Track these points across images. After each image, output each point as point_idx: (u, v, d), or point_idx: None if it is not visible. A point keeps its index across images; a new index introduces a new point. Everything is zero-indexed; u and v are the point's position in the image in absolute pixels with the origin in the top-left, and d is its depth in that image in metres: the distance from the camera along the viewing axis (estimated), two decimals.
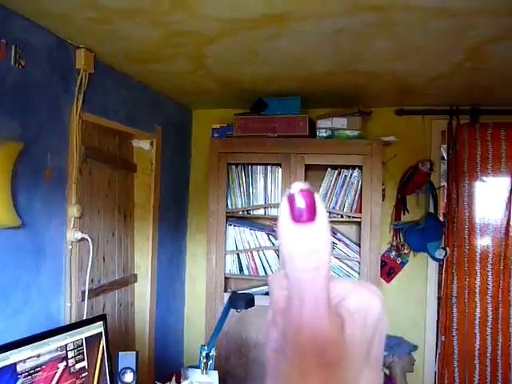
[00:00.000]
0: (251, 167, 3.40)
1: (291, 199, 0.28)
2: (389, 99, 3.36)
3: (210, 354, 2.14)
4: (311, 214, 0.27)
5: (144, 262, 3.32)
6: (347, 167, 3.26)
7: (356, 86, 3.01)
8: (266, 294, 3.38)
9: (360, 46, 2.26)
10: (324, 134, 3.21)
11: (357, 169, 3.23)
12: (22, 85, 2.06)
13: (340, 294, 0.32)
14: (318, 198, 0.28)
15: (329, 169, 3.31)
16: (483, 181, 3.43)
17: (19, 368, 1.52)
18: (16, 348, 1.52)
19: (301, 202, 0.28)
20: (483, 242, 3.41)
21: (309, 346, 0.29)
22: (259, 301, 2.75)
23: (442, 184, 3.65)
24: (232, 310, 2.22)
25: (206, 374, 2.13)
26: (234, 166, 3.41)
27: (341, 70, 2.68)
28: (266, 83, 3.00)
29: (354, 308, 0.31)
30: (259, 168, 3.39)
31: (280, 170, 3.31)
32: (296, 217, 0.28)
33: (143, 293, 3.32)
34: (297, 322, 0.29)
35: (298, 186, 0.28)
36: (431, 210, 3.54)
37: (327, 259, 0.29)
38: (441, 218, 3.63)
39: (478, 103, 3.37)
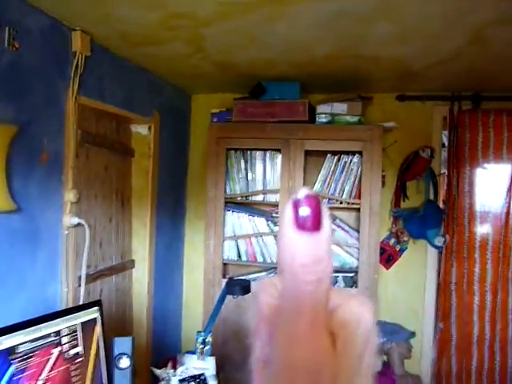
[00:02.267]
0: (250, 152, 3.37)
1: (296, 205, 0.26)
2: (390, 84, 3.32)
3: (207, 339, 2.13)
4: (317, 222, 0.26)
5: (141, 247, 3.30)
6: (347, 153, 3.23)
7: (356, 71, 2.97)
8: None
9: (360, 30, 2.22)
10: (324, 120, 3.18)
11: (357, 155, 3.20)
12: (16, 67, 2.02)
13: (330, 306, 0.30)
14: (324, 205, 0.26)
15: (328, 154, 3.28)
16: (484, 168, 3.40)
17: (12, 353, 1.51)
18: (8, 333, 1.50)
19: (306, 210, 0.26)
20: (483, 229, 3.39)
21: (301, 363, 0.27)
22: (256, 287, 2.74)
23: (442, 171, 3.62)
24: (229, 297, 2.21)
25: (203, 359, 2.12)
26: (232, 151, 3.38)
27: (341, 54, 2.64)
28: (265, 67, 2.95)
29: (345, 321, 0.30)
30: (258, 153, 3.36)
31: (279, 156, 3.28)
32: (300, 224, 0.26)
33: (141, 278, 3.31)
34: (291, 336, 0.28)
35: (304, 192, 0.26)
36: (431, 197, 3.52)
37: (329, 272, 0.27)
38: (441, 206, 3.61)
39: (479, 89, 3.33)
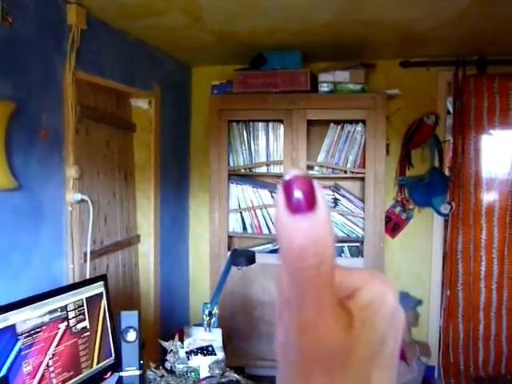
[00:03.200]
0: (252, 124, 3.34)
1: (287, 188, 0.25)
2: (393, 50, 3.25)
3: (213, 311, 2.14)
4: (310, 203, 0.24)
5: (146, 222, 3.31)
6: (350, 122, 3.19)
7: (359, 37, 2.90)
8: (270, 252, 3.38)
9: None
10: (326, 89, 3.13)
11: (360, 123, 3.17)
12: (11, 43, 1.99)
13: (351, 285, 0.29)
14: (316, 184, 0.25)
15: (331, 124, 3.24)
16: (490, 134, 3.35)
17: (19, 329, 1.51)
18: (15, 309, 1.51)
19: (297, 191, 0.24)
20: (489, 196, 3.36)
21: (312, 352, 0.26)
22: (262, 259, 2.74)
23: (447, 138, 3.58)
24: (235, 269, 2.21)
25: (210, 331, 2.13)
26: (234, 124, 3.35)
27: (342, 20, 2.58)
28: (265, 36, 2.90)
29: (366, 302, 0.28)
30: (260, 125, 3.32)
31: (282, 127, 3.24)
32: (293, 207, 0.24)
33: (147, 253, 3.32)
34: (298, 325, 0.26)
35: (293, 173, 0.25)
36: (436, 164, 3.48)
37: (331, 252, 0.25)
38: (446, 173, 3.58)
39: (485, 53, 3.26)
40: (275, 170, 3.36)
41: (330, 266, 0.25)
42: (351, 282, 0.29)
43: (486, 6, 2.29)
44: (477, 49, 3.17)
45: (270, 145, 3.32)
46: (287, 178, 0.25)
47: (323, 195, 0.25)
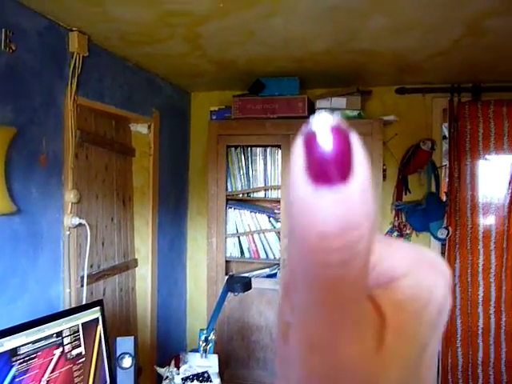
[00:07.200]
0: (250, 149, 3.37)
1: (311, 143, 0.16)
2: (389, 77, 3.30)
3: (209, 337, 2.13)
4: (344, 169, 0.16)
5: (144, 246, 3.31)
6: None
7: (355, 65, 2.95)
8: (268, 276, 3.37)
9: (357, 23, 2.21)
10: None
11: None
12: (14, 69, 2.03)
13: (391, 269, 0.20)
14: (355, 139, 0.17)
15: None
16: (485, 159, 3.38)
17: (13, 355, 1.51)
18: (9, 335, 1.51)
19: (328, 150, 0.16)
20: (486, 220, 3.38)
21: (325, 375, 0.19)
22: (260, 283, 2.74)
23: (443, 163, 3.61)
24: (232, 294, 2.21)
25: (206, 357, 2.12)
26: (233, 149, 3.38)
27: (339, 49, 2.62)
28: (263, 64, 2.95)
29: (405, 298, 0.20)
30: (258, 150, 3.36)
31: (279, 152, 3.27)
32: (318, 174, 0.16)
33: (144, 277, 3.31)
34: (307, 343, 0.19)
35: (323, 120, 0.17)
36: (433, 189, 3.50)
37: (367, 244, 0.17)
38: (443, 198, 3.60)
39: (479, 80, 3.31)
40: (273, 195, 3.38)
41: (363, 263, 0.17)
42: (388, 264, 0.20)
43: (477, 36, 2.34)
44: (471, 76, 3.22)
45: (267, 170, 3.35)
46: (313, 127, 0.17)
47: (363, 156, 0.17)
